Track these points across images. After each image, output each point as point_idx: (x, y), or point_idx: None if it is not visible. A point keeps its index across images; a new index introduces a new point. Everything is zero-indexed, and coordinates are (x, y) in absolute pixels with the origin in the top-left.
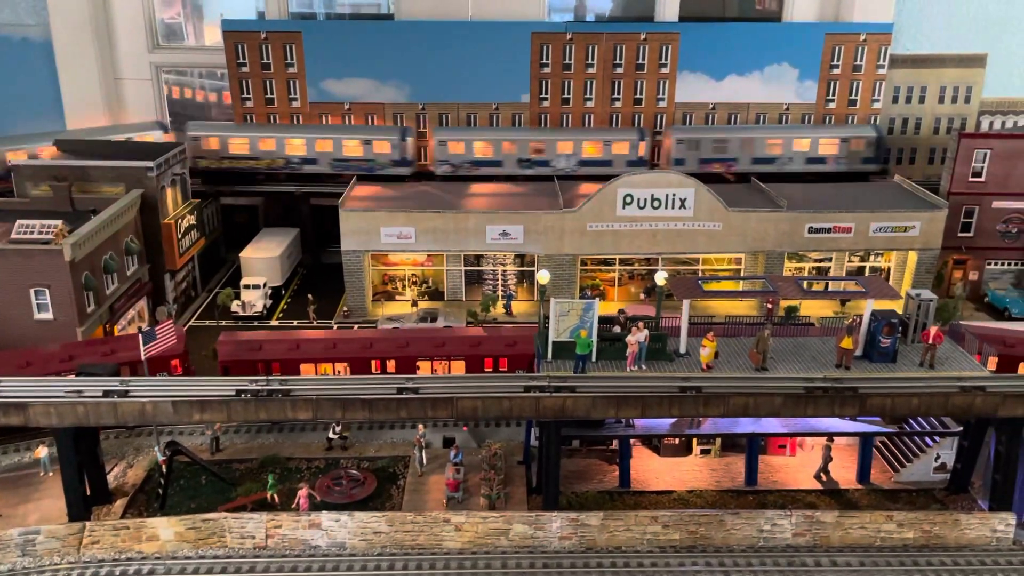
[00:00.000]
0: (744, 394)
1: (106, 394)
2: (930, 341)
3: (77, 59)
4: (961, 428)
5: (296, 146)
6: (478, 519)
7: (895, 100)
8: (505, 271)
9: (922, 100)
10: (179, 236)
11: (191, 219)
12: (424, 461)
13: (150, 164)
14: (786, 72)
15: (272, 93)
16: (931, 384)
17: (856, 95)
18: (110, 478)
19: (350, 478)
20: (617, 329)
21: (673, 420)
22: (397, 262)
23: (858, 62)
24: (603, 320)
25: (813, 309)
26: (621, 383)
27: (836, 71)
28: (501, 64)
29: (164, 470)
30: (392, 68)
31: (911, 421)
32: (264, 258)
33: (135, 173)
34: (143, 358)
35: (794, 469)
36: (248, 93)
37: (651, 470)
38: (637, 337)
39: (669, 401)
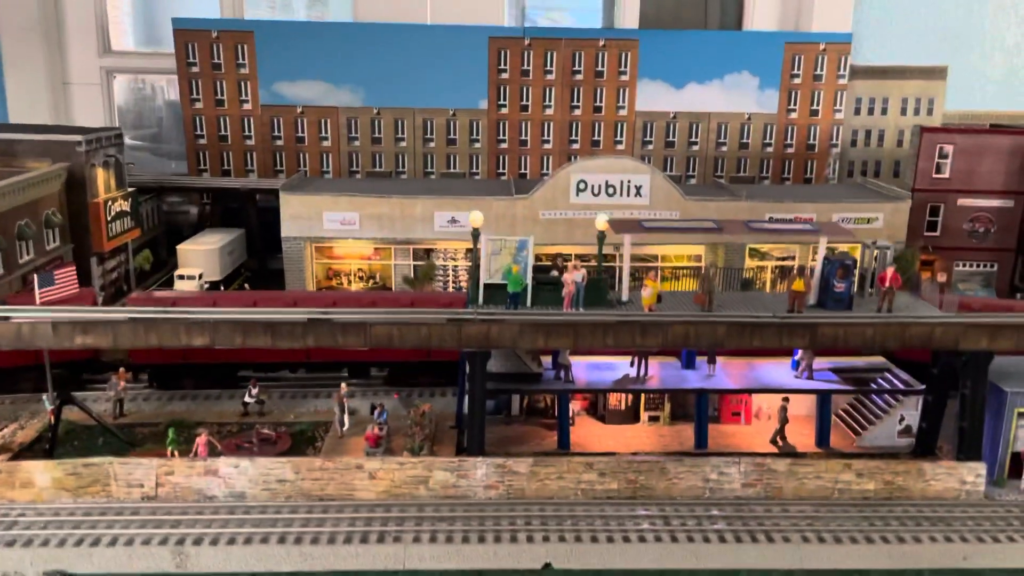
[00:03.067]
0: (685, 322)
1: None
2: (887, 284)
3: (24, 62)
4: (925, 386)
5: None
6: (394, 465)
7: (857, 111)
8: (456, 267)
9: (884, 112)
10: (108, 218)
11: (124, 205)
12: (346, 422)
13: (79, 138)
14: (746, 81)
15: (222, 94)
16: (888, 318)
17: (818, 105)
18: None
19: (261, 436)
20: (555, 273)
21: (617, 378)
22: (342, 255)
23: (819, 71)
24: (540, 270)
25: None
26: (553, 316)
27: (797, 80)
28: (458, 69)
29: (52, 421)
30: (347, 71)
31: (871, 385)
32: (201, 250)
33: (62, 148)
34: (38, 303)
35: (748, 435)
36: (198, 94)
37: (593, 435)
38: (574, 276)
39: (604, 329)
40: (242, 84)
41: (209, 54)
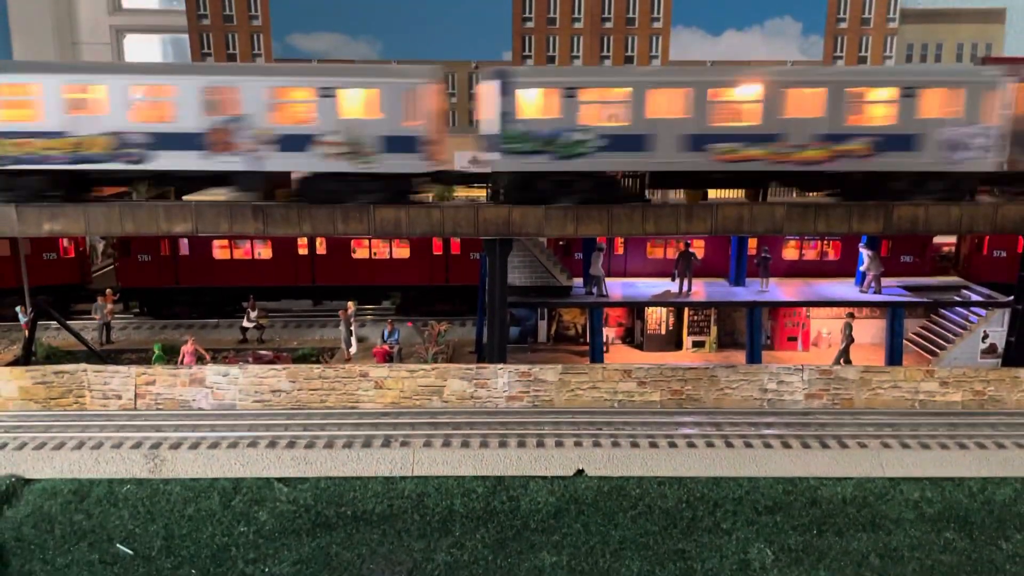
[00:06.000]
0: (737, 204)
1: None
2: None
3: (32, 21)
4: (1012, 297)
5: None
6: (404, 373)
7: (908, 58)
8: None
9: (938, 58)
10: None
11: None
12: (354, 344)
13: None
14: (789, 26)
15: (234, 48)
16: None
17: (866, 52)
18: None
19: (258, 358)
20: None
21: (655, 292)
22: None
23: (866, 15)
24: None
25: None
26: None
27: (843, 25)
28: (481, 18)
29: (27, 334)
30: (363, 21)
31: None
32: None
33: None
34: None
35: (806, 362)
36: (208, 48)
37: (629, 359)
38: None
39: (642, 213)
40: (254, 37)
41: (220, 5)
